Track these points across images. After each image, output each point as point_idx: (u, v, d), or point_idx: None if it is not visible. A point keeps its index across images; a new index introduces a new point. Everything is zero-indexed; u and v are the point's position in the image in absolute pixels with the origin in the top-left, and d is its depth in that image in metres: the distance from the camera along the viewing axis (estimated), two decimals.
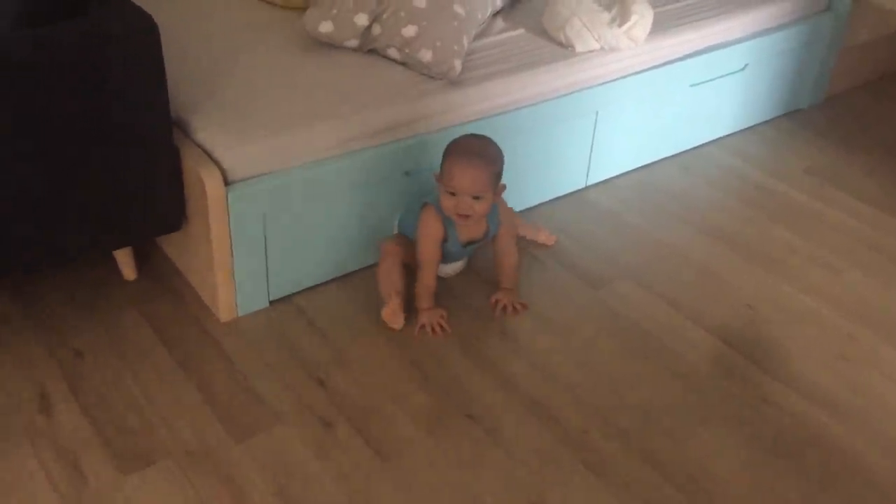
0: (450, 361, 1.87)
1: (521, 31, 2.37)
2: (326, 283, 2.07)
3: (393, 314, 1.93)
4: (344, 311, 2.00)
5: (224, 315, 1.95)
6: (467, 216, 1.87)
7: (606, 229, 2.34)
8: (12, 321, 1.92)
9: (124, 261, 2.01)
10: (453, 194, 1.85)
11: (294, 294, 2.04)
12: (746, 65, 2.66)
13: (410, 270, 1.98)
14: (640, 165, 2.60)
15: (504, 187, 1.94)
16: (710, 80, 2.60)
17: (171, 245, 2.11)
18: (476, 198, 1.85)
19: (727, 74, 2.63)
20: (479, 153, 1.86)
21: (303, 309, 2.00)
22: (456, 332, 1.94)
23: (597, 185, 2.50)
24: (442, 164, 1.88)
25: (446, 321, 1.96)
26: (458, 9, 2.13)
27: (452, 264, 2.10)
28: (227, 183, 1.82)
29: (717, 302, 2.09)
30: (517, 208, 2.34)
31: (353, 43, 2.14)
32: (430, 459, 1.64)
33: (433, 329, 1.95)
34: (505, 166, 1.89)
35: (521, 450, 1.68)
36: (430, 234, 1.92)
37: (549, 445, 1.69)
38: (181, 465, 1.60)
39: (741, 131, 2.83)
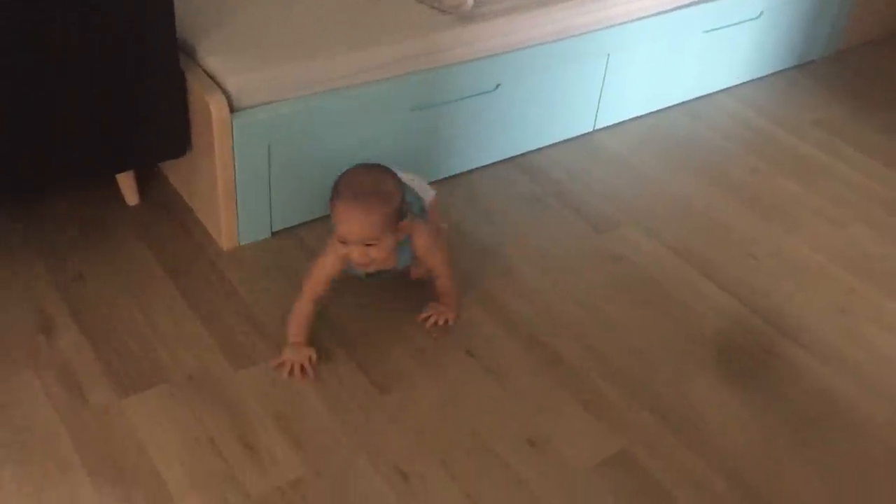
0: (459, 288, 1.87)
1: None
2: (329, 216, 2.06)
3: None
4: None
5: (226, 243, 1.94)
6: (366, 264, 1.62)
7: (613, 174, 2.32)
8: (13, 243, 1.91)
9: (127, 184, 2.00)
10: (344, 242, 1.58)
11: (297, 226, 2.03)
12: (762, 12, 2.61)
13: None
14: (649, 111, 2.57)
15: (410, 227, 1.63)
16: (725, 26, 2.55)
17: (174, 172, 2.09)
18: (370, 244, 1.58)
19: (742, 22, 2.59)
20: (368, 192, 1.56)
21: (305, 241, 1.99)
22: (459, 269, 1.93)
23: (605, 129, 2.48)
24: (329, 204, 1.59)
25: (312, 365, 1.66)
26: None
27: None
28: (232, 110, 1.80)
29: (721, 250, 2.08)
30: (525, 149, 2.32)
31: None
32: (427, 394, 1.65)
33: (292, 369, 1.66)
34: (514, 107, 1.86)
35: (519, 388, 1.69)
36: (324, 266, 1.65)
37: (547, 385, 1.70)
38: (181, 389, 1.61)
39: (752, 81, 2.80)
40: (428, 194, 1.84)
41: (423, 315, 1.80)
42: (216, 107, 1.76)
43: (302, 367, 1.66)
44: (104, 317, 1.75)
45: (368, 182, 1.58)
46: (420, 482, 1.49)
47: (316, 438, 1.55)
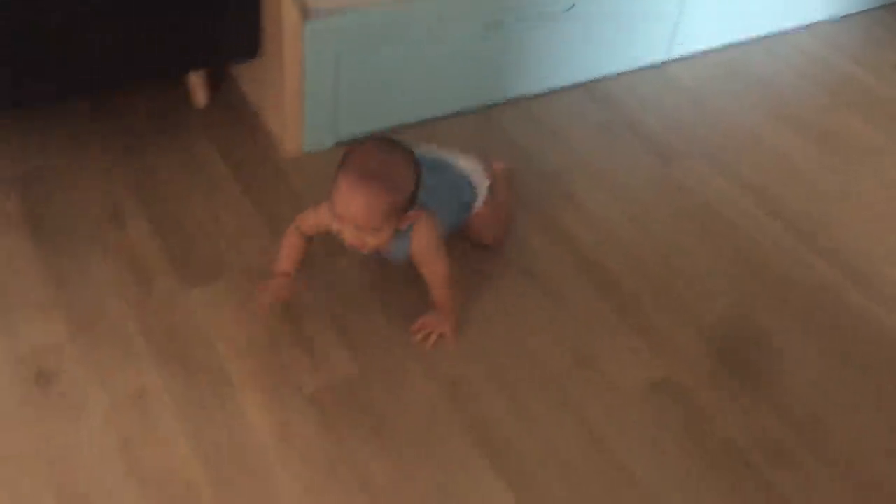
0: (513, 218, 1.87)
1: None
2: (393, 129, 2.06)
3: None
4: None
5: (290, 150, 1.96)
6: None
7: (684, 106, 2.27)
8: (89, 136, 1.95)
9: (197, 84, 2.02)
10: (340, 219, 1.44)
11: (360, 137, 2.03)
12: None
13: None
14: (725, 44, 2.49)
15: (418, 216, 1.48)
16: None
17: (243, 76, 2.11)
18: (369, 231, 1.43)
19: None
20: (377, 175, 1.39)
21: None
22: (522, 197, 1.93)
23: (679, 60, 2.41)
24: (336, 172, 1.44)
25: (284, 296, 1.59)
26: None
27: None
28: (305, 16, 1.79)
29: (788, 190, 2.04)
30: (597, 75, 2.28)
31: None
32: (482, 308, 1.67)
33: (261, 302, 1.58)
34: (587, 29, 1.80)
35: (573, 309, 1.69)
36: (314, 217, 1.55)
37: (602, 308, 1.70)
38: (243, 285, 1.65)
39: (834, 19, 2.69)
40: (482, 185, 1.70)
41: (416, 327, 1.60)
42: (289, 11, 1.75)
43: (273, 300, 1.58)
44: (172, 210, 1.79)
45: (382, 163, 1.41)
46: (468, 390, 1.52)
47: (370, 342, 1.59)
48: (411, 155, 1.46)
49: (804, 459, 1.47)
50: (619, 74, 2.32)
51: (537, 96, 2.22)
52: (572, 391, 1.54)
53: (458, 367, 1.56)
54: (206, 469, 1.36)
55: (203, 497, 1.32)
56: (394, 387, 1.51)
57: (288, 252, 1.59)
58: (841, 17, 2.70)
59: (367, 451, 1.41)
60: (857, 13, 2.73)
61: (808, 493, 1.42)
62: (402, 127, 2.06)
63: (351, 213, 1.40)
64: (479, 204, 1.70)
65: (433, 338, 1.59)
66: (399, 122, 2.06)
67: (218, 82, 2.13)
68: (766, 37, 2.56)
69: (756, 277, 1.80)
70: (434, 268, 1.55)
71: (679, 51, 2.40)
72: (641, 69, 2.35)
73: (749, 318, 1.72)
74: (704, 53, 2.45)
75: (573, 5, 2.09)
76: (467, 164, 1.69)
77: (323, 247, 1.73)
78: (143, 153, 1.92)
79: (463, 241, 1.77)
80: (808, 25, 2.63)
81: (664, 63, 2.39)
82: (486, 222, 1.73)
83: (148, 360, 1.51)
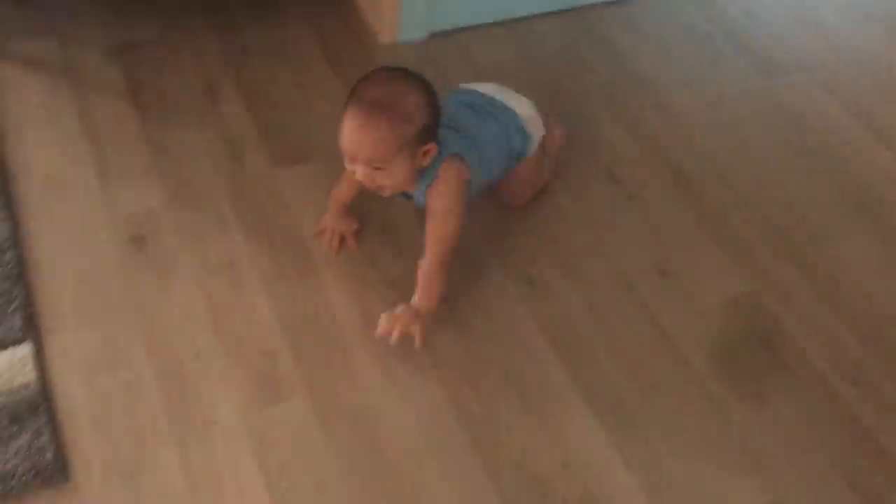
0: (601, 125, 1.84)
1: None
2: (491, 25, 2.03)
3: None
4: (503, 56, 1.97)
5: (385, 37, 1.95)
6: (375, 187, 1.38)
7: (793, 20, 2.16)
8: (190, 15, 1.98)
9: None
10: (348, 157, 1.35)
11: (456, 31, 2.01)
12: None
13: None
14: None
15: (432, 151, 1.34)
16: None
17: None
18: (377, 167, 1.32)
19: None
20: (383, 104, 1.28)
21: (463, 46, 1.98)
22: (612, 101, 1.89)
23: None
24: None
25: (354, 237, 1.55)
26: None
27: None
28: None
29: (893, 114, 1.94)
30: None
31: None
32: (566, 212, 1.66)
33: (330, 242, 1.54)
34: None
35: (658, 218, 1.67)
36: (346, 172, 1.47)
37: (687, 219, 1.67)
38: (329, 169, 1.67)
39: None
40: (537, 135, 1.57)
41: (381, 330, 1.38)
42: None
43: (342, 239, 1.55)
44: (266, 90, 1.82)
45: (387, 93, 1.30)
46: (545, 289, 1.53)
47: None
48: (424, 83, 1.34)
49: (881, 382, 1.45)
50: None
51: None
52: (649, 297, 1.53)
53: (537, 266, 1.56)
54: (286, 338, 1.42)
55: (282, 363, 1.39)
56: (472, 281, 1.54)
57: (337, 197, 1.54)
58: None
59: (441, 336, 1.44)
60: None
61: (881, 412, 1.41)
62: (496, 24, 2.03)
63: (356, 148, 1.30)
64: (529, 155, 1.55)
65: (397, 335, 1.36)
66: (493, 19, 2.03)
67: None
68: None
69: (853, 204, 1.74)
70: (442, 226, 1.39)
71: None
72: None
73: (843, 244, 1.67)
74: None
75: None
76: (525, 110, 1.55)
77: None
78: (241, 33, 1.94)
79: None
80: None
81: None
82: (522, 180, 1.59)
83: (237, 231, 1.56)
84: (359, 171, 1.33)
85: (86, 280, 1.46)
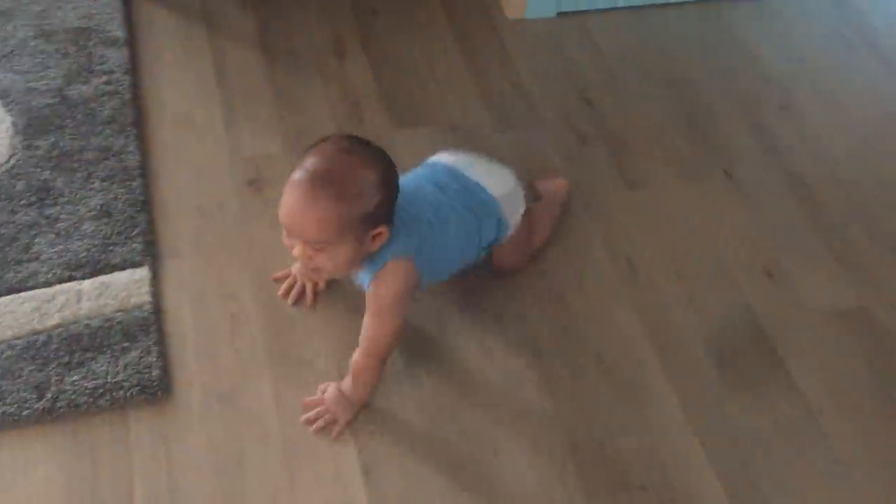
0: (721, 120, 1.80)
1: None
2: (619, 9, 2.01)
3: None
4: (627, 43, 1.95)
5: (512, 12, 1.96)
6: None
7: None
8: None
9: None
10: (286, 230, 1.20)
11: (584, 11, 2.00)
12: None
13: None
14: None
15: (383, 235, 1.19)
16: None
17: None
18: (318, 249, 1.17)
19: None
20: (330, 179, 1.14)
21: (588, 28, 1.97)
22: (735, 97, 1.84)
23: None
24: None
25: (315, 293, 1.41)
26: None
27: None
28: None
29: None
30: None
31: None
32: (676, 200, 1.64)
33: (287, 290, 1.41)
34: None
35: (771, 219, 1.63)
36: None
37: (802, 223, 1.62)
38: (444, 135, 1.70)
39: None
40: (516, 214, 1.40)
41: (306, 403, 1.29)
42: None
43: (303, 291, 1.40)
44: (390, 53, 1.86)
45: (340, 165, 1.15)
46: (647, 276, 1.52)
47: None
48: (382, 158, 1.20)
49: None
50: None
51: None
52: (753, 297, 1.50)
53: (640, 252, 1.55)
54: None
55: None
56: (573, 259, 1.53)
57: None
58: None
59: (537, 310, 1.45)
60: None
61: None
62: (625, 9, 2.01)
63: (294, 224, 1.15)
64: (506, 237, 1.40)
65: (319, 423, 1.26)
66: (622, 4, 2.00)
67: None
68: None
69: None
70: (379, 325, 1.24)
71: None
72: None
73: None
74: None
75: None
76: (501, 188, 1.37)
77: (527, 115, 1.74)
78: None
79: (674, 133, 1.73)
80: None
81: None
82: (506, 257, 1.44)
83: None
84: (297, 249, 1.17)
85: (204, 214, 1.53)
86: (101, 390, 1.27)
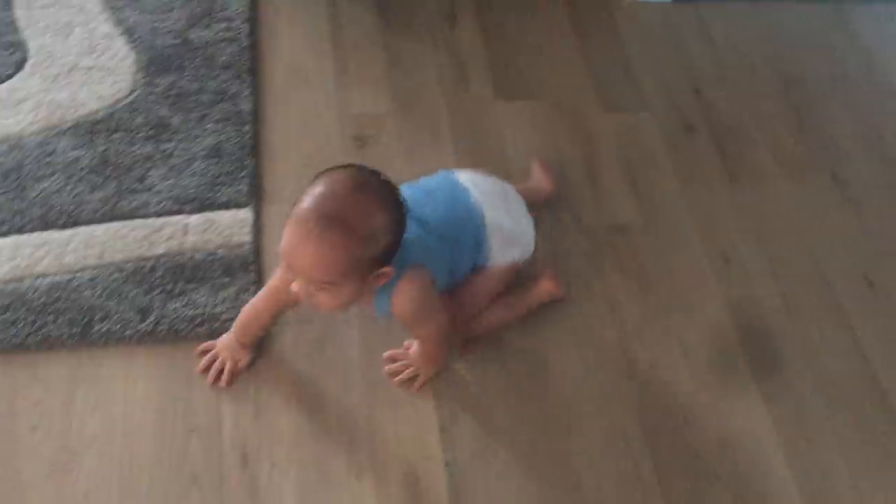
0: (833, 123, 1.75)
1: None
2: (737, 1, 1.97)
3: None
4: (742, 36, 1.91)
5: None
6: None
7: None
8: None
9: None
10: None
11: (701, 1, 1.97)
12: None
13: None
14: None
15: (389, 274, 1.13)
16: None
17: None
18: (321, 288, 1.10)
19: None
20: (341, 220, 1.06)
21: (703, 17, 1.94)
22: (851, 102, 1.79)
23: None
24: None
25: (234, 374, 1.28)
26: None
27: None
28: None
29: None
30: None
31: None
32: (778, 197, 1.61)
33: (205, 367, 1.28)
34: None
35: (874, 226, 1.59)
36: (274, 280, 1.25)
37: None
38: (547, 111, 1.70)
39: None
40: (507, 251, 1.33)
41: (391, 354, 1.32)
42: None
43: (222, 371, 1.28)
44: (502, 23, 1.86)
45: (352, 206, 1.07)
46: (740, 270, 1.50)
47: (655, 195, 1.59)
48: (394, 197, 1.12)
49: None
50: None
51: None
52: (849, 304, 1.47)
53: (735, 246, 1.53)
54: None
55: None
56: (665, 243, 1.52)
57: (245, 318, 1.27)
58: None
59: (623, 288, 1.45)
60: None
61: None
62: (741, 0, 1.97)
63: (297, 261, 1.08)
64: (482, 267, 1.34)
65: (403, 376, 1.30)
66: None
67: None
68: None
69: None
70: (425, 330, 1.25)
71: None
72: None
73: None
74: None
75: None
76: (501, 216, 1.32)
77: (634, 99, 1.73)
78: None
79: (784, 133, 1.70)
80: None
81: None
82: (474, 292, 1.34)
83: (449, 151, 1.62)
84: (297, 284, 1.11)
85: (308, 164, 1.56)
86: (199, 319, 1.32)
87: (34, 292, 1.33)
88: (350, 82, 1.71)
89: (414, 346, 1.31)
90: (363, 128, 1.64)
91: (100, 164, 1.50)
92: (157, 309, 1.33)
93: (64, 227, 1.41)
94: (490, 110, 1.70)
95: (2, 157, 1.49)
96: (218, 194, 1.48)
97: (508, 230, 1.32)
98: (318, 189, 1.08)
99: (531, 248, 1.38)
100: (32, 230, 1.40)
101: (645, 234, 1.53)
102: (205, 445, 1.21)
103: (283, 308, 1.26)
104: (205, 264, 1.39)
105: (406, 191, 1.22)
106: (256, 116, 1.63)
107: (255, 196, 1.50)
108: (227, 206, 1.47)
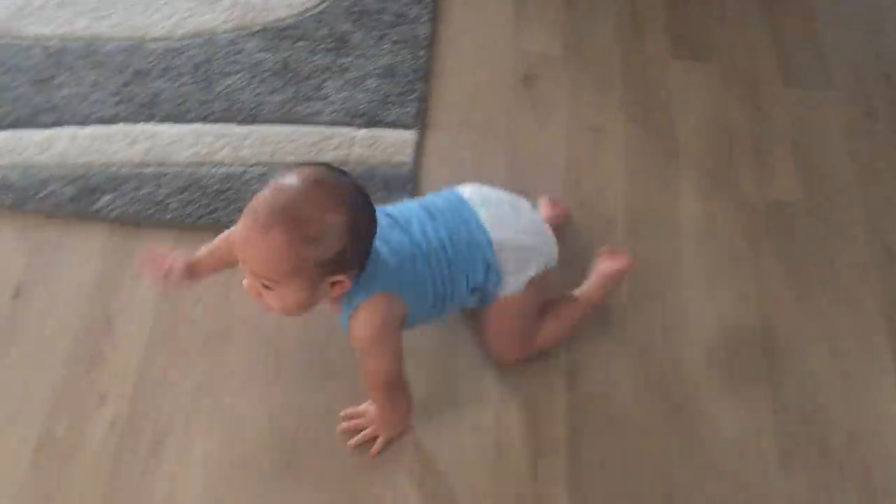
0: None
1: None
2: None
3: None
4: None
5: None
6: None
7: None
8: None
9: None
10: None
11: None
12: None
13: None
14: None
15: (345, 285, 1.05)
16: None
17: None
18: (265, 285, 1.04)
19: None
20: (286, 216, 1.00)
21: None
22: None
23: None
24: None
25: (178, 274, 1.19)
26: None
27: None
28: None
29: None
30: None
31: None
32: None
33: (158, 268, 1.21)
34: None
35: None
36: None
37: None
38: (721, 72, 1.66)
39: None
40: (525, 268, 1.21)
41: (349, 412, 1.22)
42: None
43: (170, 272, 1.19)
44: None
45: (301, 202, 1.01)
46: None
47: (825, 179, 1.53)
48: (355, 200, 1.04)
49: None
50: None
51: None
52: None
53: None
54: (628, 217, 1.46)
55: (619, 235, 1.44)
56: (829, 226, 1.47)
57: (216, 246, 1.21)
58: None
59: (776, 268, 1.41)
60: None
61: None
62: None
63: (244, 251, 1.03)
64: (501, 296, 1.21)
65: (359, 437, 1.20)
66: None
67: None
68: None
69: None
70: (367, 362, 1.14)
71: None
72: None
73: None
74: None
75: None
76: (511, 235, 1.19)
77: (822, 79, 1.67)
78: None
79: None
80: None
81: None
82: (496, 328, 1.25)
83: (616, 102, 1.61)
84: (246, 280, 1.07)
85: (475, 96, 1.60)
86: None
87: (210, 179, 1.43)
88: (527, 21, 1.72)
89: (372, 405, 1.21)
90: (533, 67, 1.64)
91: (281, 69, 1.58)
92: None
93: (243, 122, 1.50)
94: (663, 67, 1.67)
95: (195, 50, 1.60)
96: (386, 113, 1.54)
97: (522, 248, 1.20)
98: (277, 181, 1.03)
99: (553, 259, 1.25)
100: (215, 121, 1.50)
101: (808, 216, 1.48)
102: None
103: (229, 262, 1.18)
104: (366, 177, 1.45)
105: (407, 208, 1.17)
106: (432, 42, 1.66)
107: (421, 120, 1.55)
108: (393, 125, 1.52)
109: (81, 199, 1.39)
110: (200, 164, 1.45)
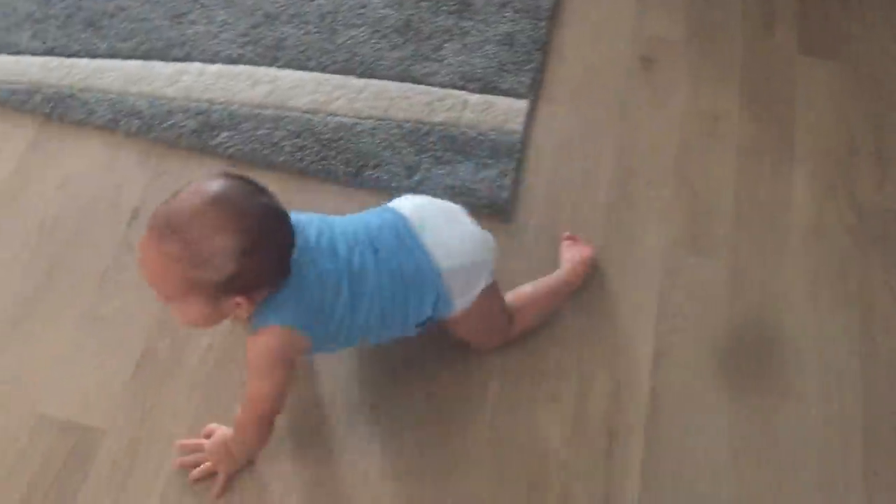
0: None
1: None
2: None
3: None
4: None
5: None
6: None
7: None
8: None
9: None
10: None
11: None
12: None
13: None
14: None
15: (242, 306, 1.02)
16: None
17: None
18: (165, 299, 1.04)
19: None
20: (175, 233, 0.97)
21: None
22: None
23: None
24: None
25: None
26: None
27: None
28: None
29: None
30: None
31: None
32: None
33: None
34: None
35: None
36: None
37: None
38: (850, 75, 1.60)
39: None
40: (467, 292, 1.15)
41: (183, 445, 1.17)
42: None
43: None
44: None
45: (193, 220, 0.97)
46: None
47: None
48: (262, 221, 1.00)
49: None
50: None
51: None
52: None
53: None
54: (733, 205, 1.44)
55: (718, 223, 1.42)
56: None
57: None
58: None
59: (883, 274, 1.37)
60: None
61: None
62: None
63: (142, 263, 1.02)
64: (452, 314, 1.16)
65: (196, 473, 1.15)
66: None
67: None
68: None
69: None
70: (254, 386, 1.09)
71: None
72: None
73: None
74: None
75: None
76: (456, 259, 1.13)
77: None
78: None
79: None
80: None
81: None
82: (466, 330, 1.22)
83: (735, 92, 1.58)
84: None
85: (591, 72, 1.59)
86: (457, 190, 1.41)
87: (323, 127, 1.47)
88: (652, 2, 1.69)
89: (215, 434, 1.16)
90: (653, 50, 1.62)
91: (403, 27, 1.60)
92: (423, 170, 1.43)
93: (361, 75, 1.54)
94: (788, 64, 1.62)
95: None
96: (501, 80, 1.54)
97: (470, 270, 1.15)
98: (179, 194, 1.01)
99: (494, 260, 1.19)
100: (335, 72, 1.54)
101: (876, 194, 1.43)
102: None
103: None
104: (475, 141, 1.46)
105: (352, 235, 1.10)
106: (554, 15, 1.66)
107: (535, 91, 1.55)
108: (507, 93, 1.53)
109: (202, 133, 1.45)
110: (316, 112, 1.49)
